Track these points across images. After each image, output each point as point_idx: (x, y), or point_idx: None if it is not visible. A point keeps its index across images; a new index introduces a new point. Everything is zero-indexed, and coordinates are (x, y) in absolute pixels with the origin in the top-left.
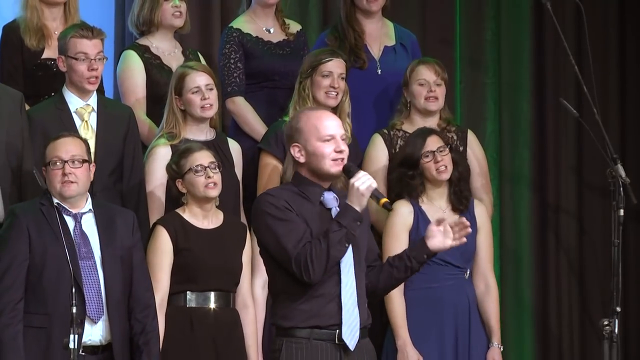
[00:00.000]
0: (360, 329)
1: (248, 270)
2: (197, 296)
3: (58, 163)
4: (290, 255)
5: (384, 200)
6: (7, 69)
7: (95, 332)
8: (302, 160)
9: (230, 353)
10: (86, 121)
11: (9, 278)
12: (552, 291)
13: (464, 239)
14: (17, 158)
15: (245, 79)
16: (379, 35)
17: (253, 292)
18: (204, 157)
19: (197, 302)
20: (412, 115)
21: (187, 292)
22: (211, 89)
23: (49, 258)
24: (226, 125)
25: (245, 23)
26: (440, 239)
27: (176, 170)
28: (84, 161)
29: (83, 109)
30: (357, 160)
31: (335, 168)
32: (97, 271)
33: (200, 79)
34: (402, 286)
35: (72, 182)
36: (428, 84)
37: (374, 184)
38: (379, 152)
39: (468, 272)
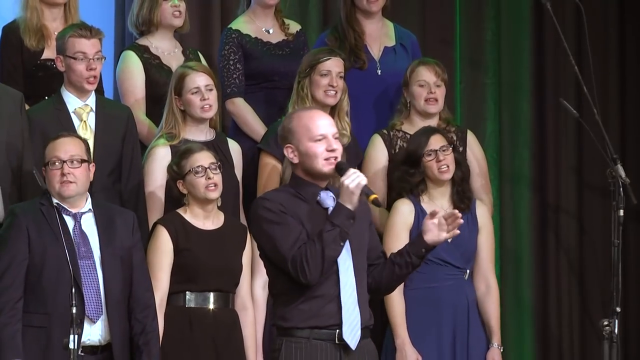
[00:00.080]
0: (362, 328)
1: (248, 272)
2: (197, 296)
3: (57, 163)
4: (286, 258)
5: (374, 196)
6: (7, 69)
7: (94, 332)
8: (295, 160)
9: (229, 354)
10: (85, 121)
11: (9, 277)
12: (552, 291)
13: (457, 231)
14: (17, 158)
15: (244, 80)
16: (379, 35)
17: (253, 292)
18: (204, 158)
19: (197, 302)
20: (412, 115)
21: (187, 292)
22: (211, 90)
23: (49, 258)
24: (226, 125)
25: (244, 24)
26: (435, 232)
27: (177, 171)
28: (82, 161)
29: (81, 109)
30: (357, 160)
31: (327, 167)
32: (96, 271)
33: (200, 80)
34: (401, 286)
35: (70, 182)
36: (428, 85)
37: (363, 181)
38: (378, 152)
39: (468, 273)
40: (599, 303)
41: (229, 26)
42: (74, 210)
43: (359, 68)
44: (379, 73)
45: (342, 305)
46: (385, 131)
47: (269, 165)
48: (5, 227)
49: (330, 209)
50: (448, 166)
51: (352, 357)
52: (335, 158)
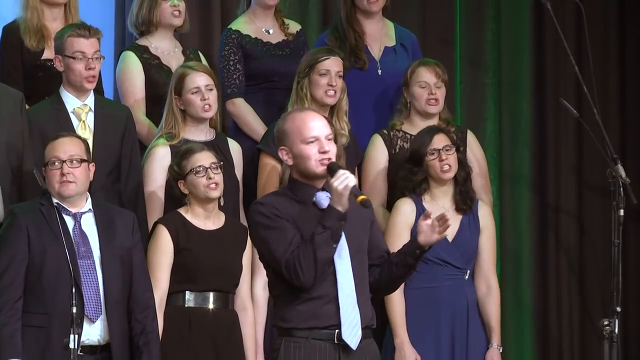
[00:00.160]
0: (363, 328)
1: (248, 273)
2: (196, 296)
3: (56, 163)
4: (280, 262)
5: (362, 197)
6: (7, 69)
7: (93, 332)
8: (290, 162)
9: (229, 354)
10: (83, 121)
11: (8, 277)
12: (552, 291)
13: (446, 233)
14: (18, 158)
15: (245, 80)
16: (379, 35)
17: (254, 292)
18: (205, 158)
19: (196, 302)
20: (412, 115)
21: (186, 291)
22: (211, 90)
23: (48, 257)
24: (226, 125)
25: (244, 24)
26: (428, 233)
27: (178, 171)
28: (82, 161)
29: (80, 109)
30: (357, 160)
31: (320, 169)
32: (95, 271)
33: (200, 80)
34: (402, 285)
35: (70, 181)
36: (429, 86)
37: (351, 183)
38: (378, 152)
39: (468, 273)
40: (599, 303)
41: (228, 27)
42: (73, 210)
43: (359, 68)
44: (380, 73)
45: (340, 305)
46: (385, 131)
47: (269, 166)
48: (5, 227)
49: None
50: (450, 166)
51: (353, 357)
52: (329, 159)
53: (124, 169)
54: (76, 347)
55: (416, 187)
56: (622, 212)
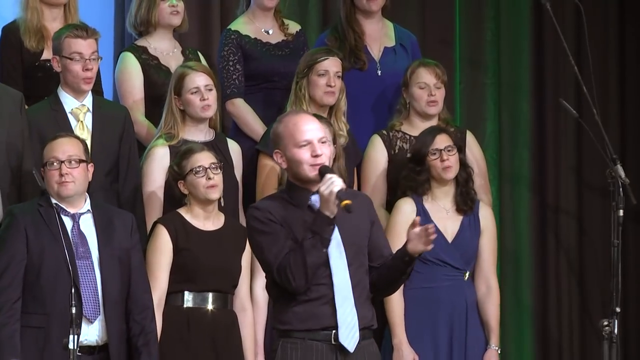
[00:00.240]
0: (361, 329)
1: (247, 273)
2: (195, 296)
3: (55, 163)
4: (272, 267)
5: (345, 202)
6: (7, 69)
7: (91, 332)
8: (284, 166)
9: (228, 354)
10: (82, 121)
11: (7, 278)
12: (551, 291)
13: (431, 246)
14: (17, 158)
15: (244, 81)
16: (379, 36)
17: (254, 293)
18: (205, 158)
19: (195, 302)
20: (411, 116)
21: (185, 292)
22: (210, 90)
23: (47, 258)
24: (226, 126)
25: (243, 25)
26: (415, 242)
27: (177, 172)
28: (81, 161)
29: (78, 110)
30: (356, 160)
31: (313, 173)
32: (94, 271)
33: (199, 80)
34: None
35: (69, 182)
36: (428, 87)
37: (336, 187)
38: (378, 152)
39: (468, 274)
40: (599, 303)
41: (228, 27)
42: (72, 211)
43: (359, 69)
44: (379, 74)
45: (336, 307)
46: (384, 132)
47: (268, 167)
48: (4, 227)
49: None
50: (451, 166)
51: (350, 359)
52: (321, 163)
53: (122, 170)
54: (75, 347)
55: (418, 188)
56: (621, 212)
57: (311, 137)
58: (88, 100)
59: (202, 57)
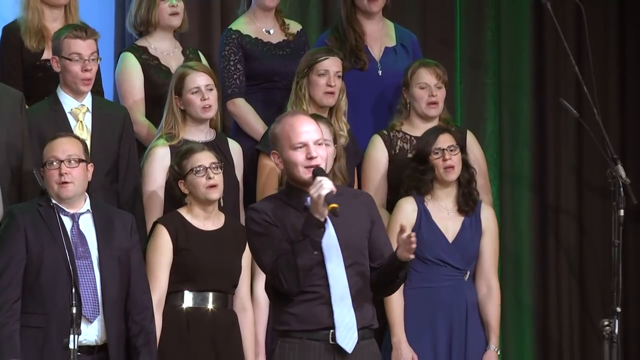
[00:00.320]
0: (360, 329)
1: (247, 273)
2: (195, 296)
3: (54, 163)
4: (267, 269)
5: (332, 206)
6: (7, 69)
7: (90, 332)
8: (280, 167)
9: (228, 354)
10: (81, 121)
11: (6, 278)
12: (552, 292)
13: (412, 256)
14: (17, 158)
15: (245, 80)
16: (379, 36)
17: (255, 293)
18: (205, 158)
19: (195, 302)
20: (412, 117)
21: (185, 291)
22: (211, 90)
23: (46, 258)
24: (227, 126)
25: (244, 24)
26: (401, 248)
27: (178, 171)
28: (80, 161)
29: (78, 110)
30: (356, 160)
31: (307, 175)
32: (93, 271)
33: (200, 79)
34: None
35: (68, 182)
36: (429, 87)
37: (325, 191)
38: (378, 152)
39: (468, 274)
40: (599, 303)
41: (229, 27)
42: (72, 211)
43: (359, 69)
44: (380, 74)
45: (333, 308)
46: (385, 132)
47: (268, 167)
48: (3, 227)
49: None
50: (453, 166)
51: (349, 358)
52: (316, 166)
53: (122, 169)
54: (76, 347)
55: (422, 186)
56: (622, 212)
57: (307, 139)
58: (87, 100)
59: (202, 57)
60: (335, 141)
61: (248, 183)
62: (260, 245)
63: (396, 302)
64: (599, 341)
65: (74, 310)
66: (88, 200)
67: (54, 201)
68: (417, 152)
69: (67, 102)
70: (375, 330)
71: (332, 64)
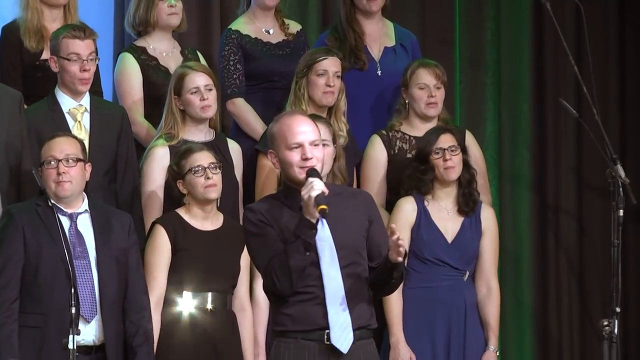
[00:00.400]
0: (355, 330)
1: (246, 274)
2: (194, 296)
3: (52, 162)
4: (261, 270)
5: (321, 207)
6: (6, 69)
7: (88, 332)
8: (277, 166)
9: (227, 354)
10: (79, 122)
11: (4, 277)
12: (551, 292)
13: (400, 258)
14: (16, 158)
15: (245, 80)
16: (379, 36)
17: (255, 293)
18: (203, 158)
19: (194, 302)
20: (411, 117)
21: (184, 291)
22: (210, 90)
23: (44, 257)
24: (226, 125)
25: (244, 24)
26: (391, 250)
27: (177, 171)
28: (78, 160)
29: (76, 110)
30: (355, 160)
31: (302, 175)
32: (91, 271)
33: (199, 80)
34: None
35: (66, 181)
36: (428, 88)
37: (314, 192)
38: (377, 152)
39: (467, 274)
40: (599, 303)
41: (228, 27)
42: (70, 211)
43: (359, 69)
44: (379, 74)
45: (327, 308)
46: (384, 132)
47: (267, 167)
48: (1, 227)
49: None
50: (454, 166)
51: (344, 358)
52: (311, 166)
53: (120, 169)
54: (75, 347)
55: (422, 186)
56: (621, 212)
57: (303, 139)
58: (85, 100)
59: (201, 57)
60: (334, 141)
61: (247, 183)
62: (256, 246)
63: (395, 302)
64: (599, 341)
65: (73, 311)
66: (86, 200)
67: (52, 201)
68: (418, 151)
69: (65, 102)
70: (374, 330)
71: (331, 64)
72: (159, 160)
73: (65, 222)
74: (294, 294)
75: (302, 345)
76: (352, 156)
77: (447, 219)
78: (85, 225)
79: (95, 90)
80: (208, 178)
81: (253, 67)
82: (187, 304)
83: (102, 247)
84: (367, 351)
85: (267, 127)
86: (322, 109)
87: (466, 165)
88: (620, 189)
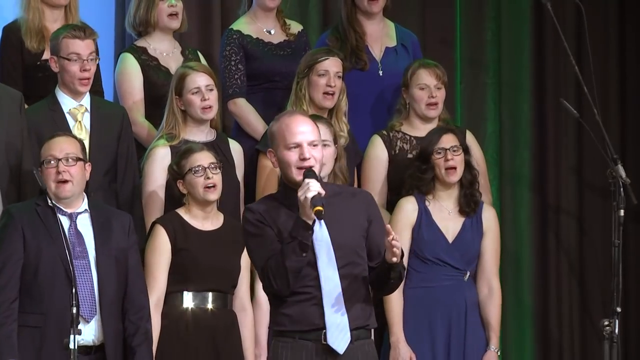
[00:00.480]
0: (353, 330)
1: (247, 273)
2: (194, 296)
3: (52, 162)
4: (259, 270)
5: (317, 208)
6: (7, 68)
7: (88, 332)
8: (276, 166)
9: (228, 354)
10: (80, 121)
11: (4, 277)
12: (552, 292)
13: (395, 259)
14: (17, 157)
15: (246, 81)
16: (380, 36)
17: (257, 293)
18: (204, 158)
19: (194, 302)
20: (411, 117)
21: (184, 291)
22: (211, 90)
23: (44, 257)
24: (227, 125)
25: (245, 24)
26: (387, 251)
27: (177, 171)
28: (78, 159)
29: (76, 110)
30: (356, 160)
31: (299, 176)
32: (90, 271)
33: (200, 80)
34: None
35: (66, 181)
36: (429, 88)
37: (310, 194)
38: (378, 152)
39: (468, 274)
40: (599, 303)
41: (230, 27)
42: (69, 210)
43: (360, 69)
44: (380, 74)
45: (324, 308)
46: (384, 132)
47: (268, 167)
48: (1, 227)
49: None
50: (455, 167)
51: (341, 359)
52: (308, 167)
53: (121, 169)
54: (75, 347)
55: (423, 186)
56: (622, 212)
57: (301, 140)
58: (86, 100)
59: (202, 57)
60: (335, 141)
61: (248, 183)
62: (254, 246)
63: (395, 302)
64: (599, 341)
65: (74, 311)
66: (86, 200)
67: (52, 201)
68: (420, 151)
69: (66, 102)
70: (375, 330)
71: (332, 65)
72: (160, 161)
73: (65, 221)
74: (292, 294)
75: (300, 345)
76: (353, 156)
77: (448, 219)
78: (84, 225)
79: (96, 90)
80: (208, 178)
81: (254, 68)
82: (187, 304)
83: (101, 247)
84: (365, 351)
85: (268, 128)
86: (323, 109)
87: (468, 165)
88: (621, 189)
